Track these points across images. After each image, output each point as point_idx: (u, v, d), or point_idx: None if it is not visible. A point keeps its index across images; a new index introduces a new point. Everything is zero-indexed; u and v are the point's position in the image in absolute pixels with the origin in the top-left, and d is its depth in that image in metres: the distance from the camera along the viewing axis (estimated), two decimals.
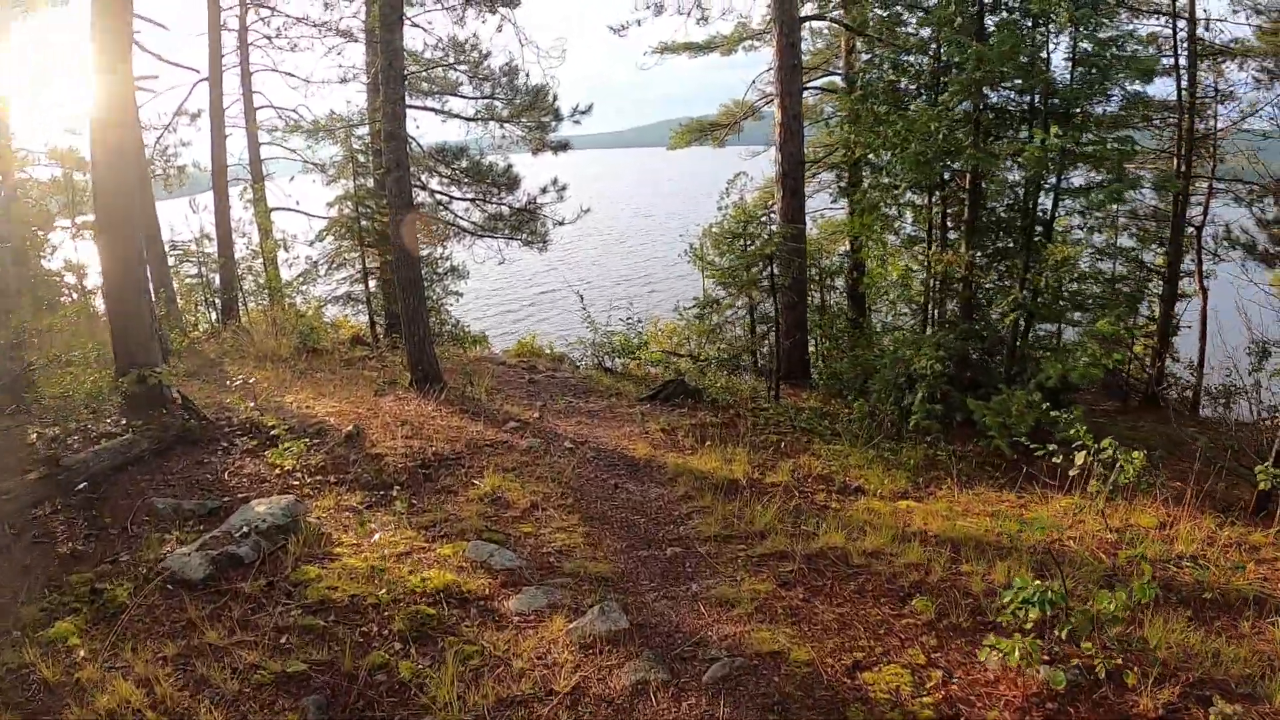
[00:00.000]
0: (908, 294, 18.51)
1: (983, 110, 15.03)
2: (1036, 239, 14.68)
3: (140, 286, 11.79)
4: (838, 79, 23.87)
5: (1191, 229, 20.66)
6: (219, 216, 25.01)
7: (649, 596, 7.76)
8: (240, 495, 9.68)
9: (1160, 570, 8.05)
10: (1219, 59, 20.29)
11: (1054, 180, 14.34)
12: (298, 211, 26.57)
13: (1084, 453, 8.18)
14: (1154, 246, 21.91)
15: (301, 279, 24.39)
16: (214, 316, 25.11)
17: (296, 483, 10.16)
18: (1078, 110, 14.53)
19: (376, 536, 8.79)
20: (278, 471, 10.43)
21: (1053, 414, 9.85)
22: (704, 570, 8.41)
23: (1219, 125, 20.78)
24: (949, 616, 7.19)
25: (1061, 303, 14.65)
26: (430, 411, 13.64)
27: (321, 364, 17.91)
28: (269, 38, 26.62)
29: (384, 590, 7.30)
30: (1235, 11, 19.48)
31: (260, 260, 25.54)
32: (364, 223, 22.75)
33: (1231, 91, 20.54)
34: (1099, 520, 9.54)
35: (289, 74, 26.77)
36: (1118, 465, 7.91)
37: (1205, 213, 20.75)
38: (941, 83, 15.94)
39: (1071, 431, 8.29)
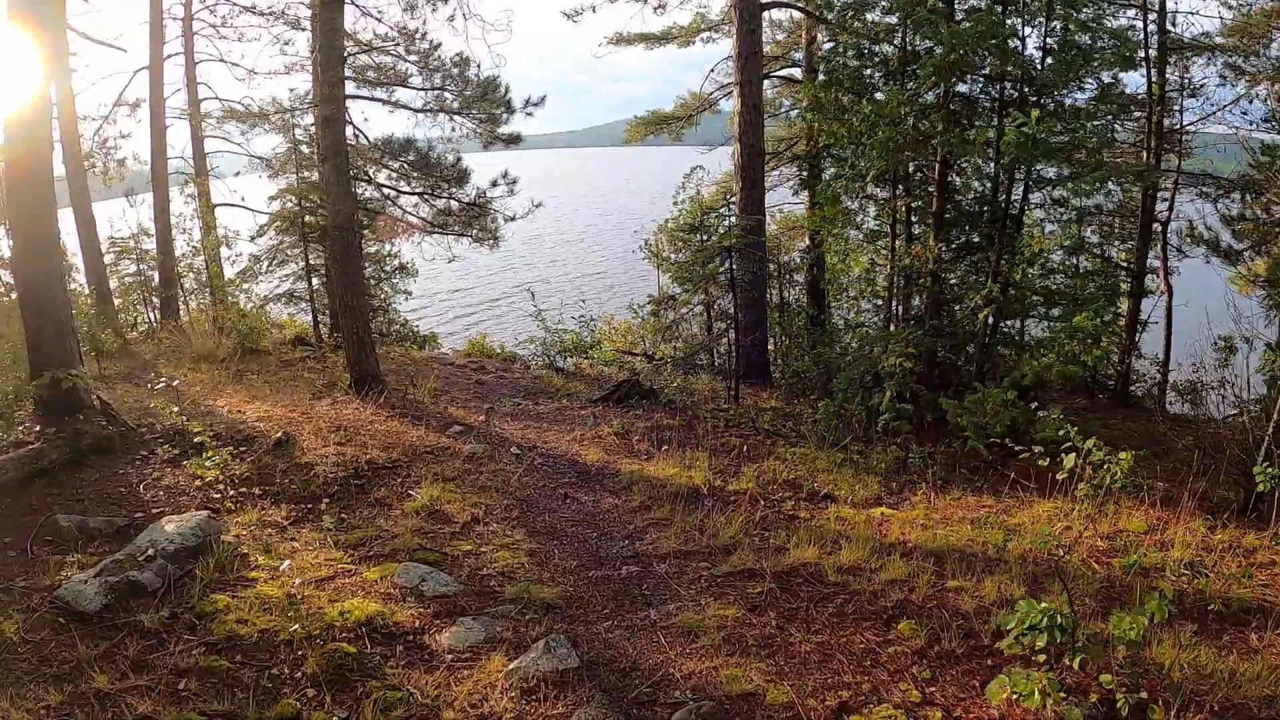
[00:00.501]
0: (871, 290, 17.71)
1: (953, 98, 14.20)
2: (1008, 231, 13.83)
3: (54, 283, 10.63)
4: (797, 71, 23.02)
5: (1157, 225, 20.01)
6: (158, 211, 23.69)
7: (602, 626, 6.79)
8: (155, 510, 8.69)
9: (1158, 580, 7.58)
10: (1186, 54, 19.65)
11: (1026, 170, 13.50)
12: (242, 207, 25.45)
13: (1073, 455, 7.45)
14: (1116, 242, 21.28)
15: (241, 277, 23.11)
16: (153, 316, 23.77)
17: (218, 496, 9.15)
18: (1049, 100, 13.73)
19: (295, 559, 7.80)
20: (198, 484, 9.39)
21: (1040, 413, 9.01)
22: (663, 593, 7.46)
23: (1185, 121, 20.17)
24: (940, 642, 6.32)
25: (1034, 297, 13.87)
26: (368, 416, 12.62)
27: (260, 365, 16.93)
28: (215, 26, 25.43)
29: (298, 625, 6.25)
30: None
31: (202, 257, 24.32)
32: (307, 218, 21.48)
33: (1201, 86, 19.90)
34: (1088, 526, 8.87)
35: (235, 64, 25.48)
36: (1104, 467, 7.35)
37: (1171, 208, 20.11)
38: (909, 71, 15.11)
39: (1060, 432, 7.54)
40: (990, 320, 13.55)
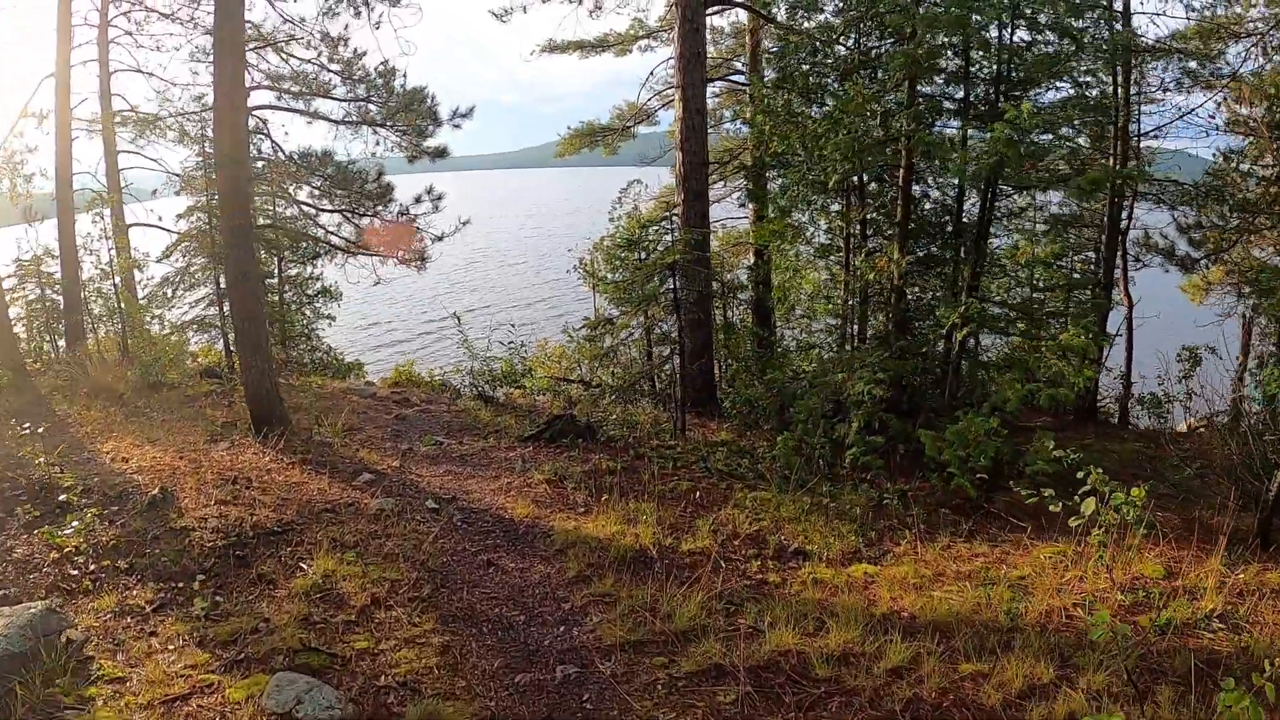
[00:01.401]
0: (826, 308, 16.10)
1: (919, 97, 12.64)
2: (980, 242, 12.28)
3: None
4: (739, 79, 21.42)
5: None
6: (63, 231, 21.30)
7: None
8: None
9: (1193, 638, 6.53)
10: (1145, 58, 18.37)
11: (992, 177, 11.93)
12: (158, 227, 23.14)
13: (1093, 500, 6.21)
14: (1070, 252, 19.98)
15: (147, 301, 20.92)
16: (58, 345, 21.48)
17: (75, 572, 7.46)
18: (1022, 100, 12.23)
19: (149, 664, 6.16)
20: (55, 555, 7.66)
21: (1054, 449, 7.49)
22: (610, 705, 5.78)
23: (1144, 127, 18.91)
24: None
25: (1011, 313, 12.30)
26: (266, 463, 10.78)
27: (161, 401, 14.96)
28: (130, 33, 23.21)
29: None
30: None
31: (110, 281, 22.07)
32: (218, 237, 19.38)
33: (1159, 93, 18.66)
34: (1101, 574, 7.48)
35: (152, 74, 23.13)
36: (1107, 502, 6.25)
37: (1129, 217, 18.80)
38: (868, 71, 13.52)
39: (1083, 473, 6.36)
40: (965, 340, 11.91)
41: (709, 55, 19.22)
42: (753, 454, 12.29)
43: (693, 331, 14.62)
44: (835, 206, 16.03)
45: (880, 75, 12.58)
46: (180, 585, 7.36)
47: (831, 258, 16.33)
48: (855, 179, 14.20)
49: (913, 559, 8.66)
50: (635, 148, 23.15)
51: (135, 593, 7.17)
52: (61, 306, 21.61)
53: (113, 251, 21.79)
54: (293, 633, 6.51)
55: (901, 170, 12.86)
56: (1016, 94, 12.02)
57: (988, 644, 6.42)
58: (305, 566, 7.74)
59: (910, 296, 13.49)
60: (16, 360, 16.52)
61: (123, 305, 21.23)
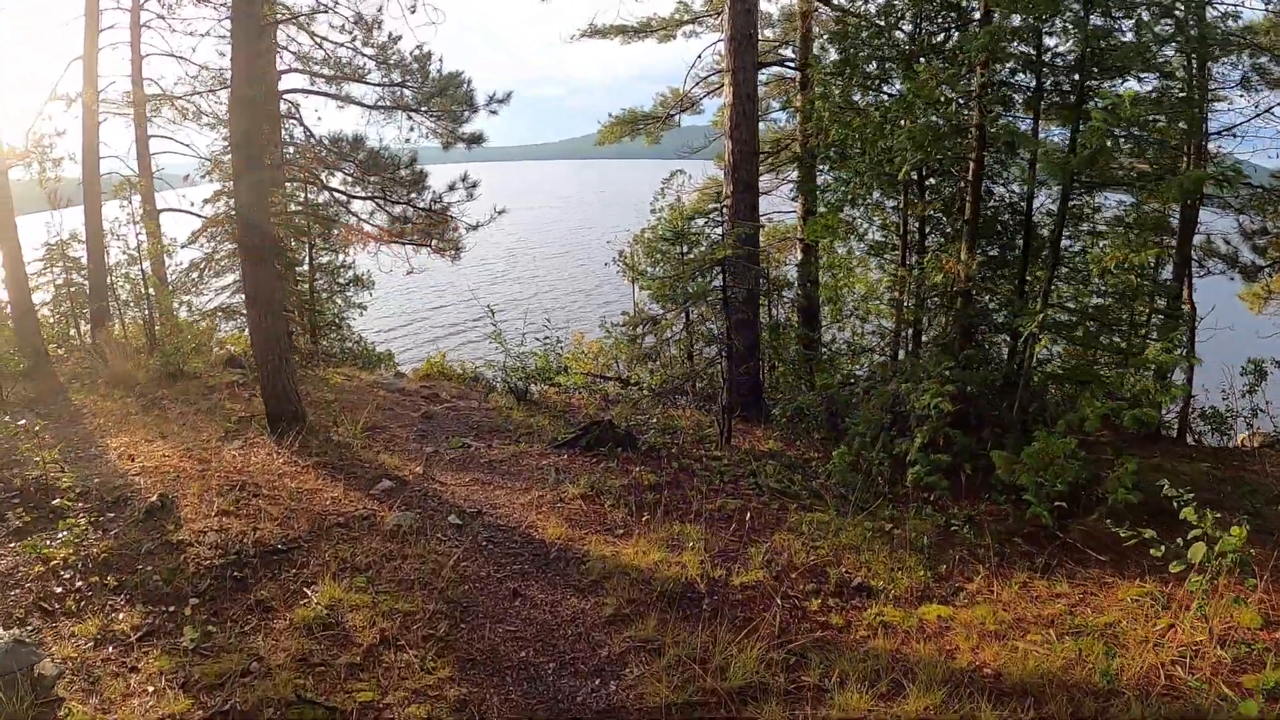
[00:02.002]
0: (879, 309, 14.98)
1: (991, 85, 11.50)
2: (1057, 245, 11.12)
3: None
4: (788, 67, 20.27)
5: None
6: (89, 214, 20.49)
7: None
8: None
9: None
10: (1215, 51, 17.08)
11: (1083, 173, 10.74)
12: (189, 213, 22.30)
13: (1202, 546, 5.95)
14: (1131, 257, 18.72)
15: (171, 289, 20.04)
16: (82, 330, 20.70)
17: (61, 588, 6.66)
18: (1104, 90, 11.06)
19: (123, 710, 5.38)
20: (41, 568, 6.87)
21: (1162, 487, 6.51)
22: None
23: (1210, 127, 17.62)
24: None
25: (1090, 323, 11.16)
26: (279, 466, 9.88)
27: (181, 392, 14.08)
28: (162, 16, 22.37)
29: None
30: None
31: (139, 266, 21.23)
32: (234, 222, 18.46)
33: (1230, 90, 17.36)
34: (1197, 625, 6.55)
35: (184, 58, 22.24)
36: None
37: (1194, 221, 17.56)
38: (931, 59, 12.37)
39: (1186, 512, 6.09)
40: (1037, 351, 10.77)
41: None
42: (805, 469, 11.23)
43: (741, 332, 13.51)
44: (891, 202, 14.93)
45: (939, 61, 11.41)
46: (171, 609, 6.52)
47: (885, 256, 15.19)
48: (915, 173, 13.07)
49: (989, 599, 7.61)
50: (673, 141, 22.09)
51: (122, 616, 6.35)
52: (87, 292, 20.87)
53: (141, 236, 21.02)
54: (288, 678, 5.59)
55: (971, 163, 11.74)
56: (1095, 84, 10.80)
57: (1084, 711, 5.52)
58: (309, 593, 6.80)
59: (988, 299, 12.35)
60: (38, 346, 15.90)
61: (150, 291, 20.45)
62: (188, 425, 11.68)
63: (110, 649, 5.90)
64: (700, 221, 14.47)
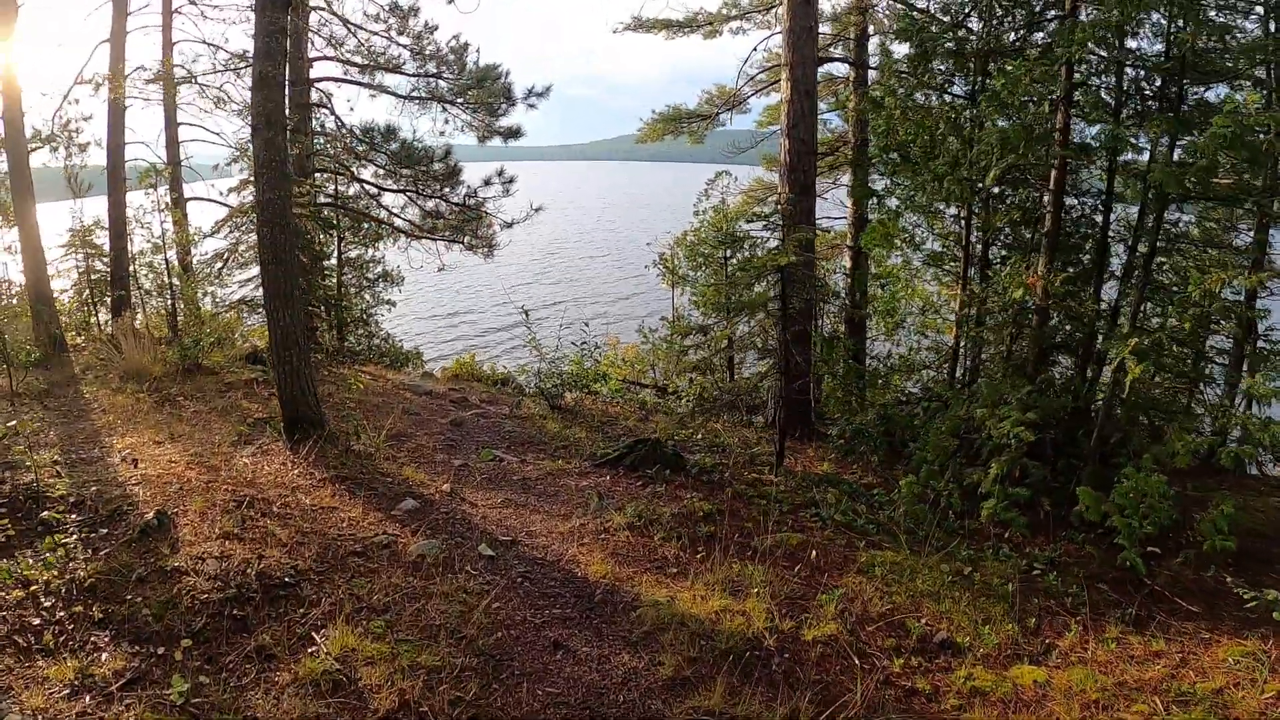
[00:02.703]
0: (935, 323, 13.89)
1: (1076, 86, 10.40)
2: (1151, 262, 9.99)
3: None
4: (836, 68, 19.20)
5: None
6: (112, 201, 19.62)
7: None
8: None
9: None
10: None
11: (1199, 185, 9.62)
12: (218, 202, 21.42)
13: None
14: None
15: (196, 277, 19.14)
16: (103, 318, 19.84)
17: (40, 620, 5.73)
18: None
19: None
20: (20, 594, 5.94)
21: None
22: None
23: None
24: None
25: (1180, 349, 10.06)
26: (293, 478, 8.93)
27: (198, 388, 13.22)
28: (194, 2, 21.49)
29: None
30: None
31: (163, 256, 20.35)
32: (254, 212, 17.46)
33: None
34: None
35: (216, 45, 21.32)
36: None
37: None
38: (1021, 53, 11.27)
39: None
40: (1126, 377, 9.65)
41: None
42: (868, 497, 10.14)
43: (798, 346, 12.40)
44: (952, 211, 13.83)
45: (1061, 45, 10.23)
46: (160, 651, 5.59)
47: (943, 267, 14.07)
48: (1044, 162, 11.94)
49: (1084, 659, 6.64)
50: (714, 144, 21.02)
51: (104, 657, 5.42)
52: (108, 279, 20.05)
53: (166, 224, 20.17)
54: None
55: (1054, 170, 10.62)
56: (1212, 82, 9.68)
57: None
58: (318, 639, 5.82)
59: (1059, 318, 11.23)
60: (55, 335, 15.20)
61: (175, 281, 19.61)
62: (200, 425, 10.80)
63: (87, 699, 4.97)
64: (748, 225, 13.39)
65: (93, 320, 19.82)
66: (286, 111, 11.46)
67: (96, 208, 20.00)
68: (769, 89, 19.02)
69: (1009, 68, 9.61)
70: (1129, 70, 10.49)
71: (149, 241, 20.34)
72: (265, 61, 10.00)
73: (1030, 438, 8.96)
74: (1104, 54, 10.43)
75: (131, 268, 19.82)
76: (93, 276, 19.98)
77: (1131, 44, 10.48)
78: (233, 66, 19.09)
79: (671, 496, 9.27)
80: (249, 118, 18.37)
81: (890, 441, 11.67)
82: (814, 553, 8.03)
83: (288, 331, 10.13)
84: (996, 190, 12.41)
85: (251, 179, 17.52)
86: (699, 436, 12.04)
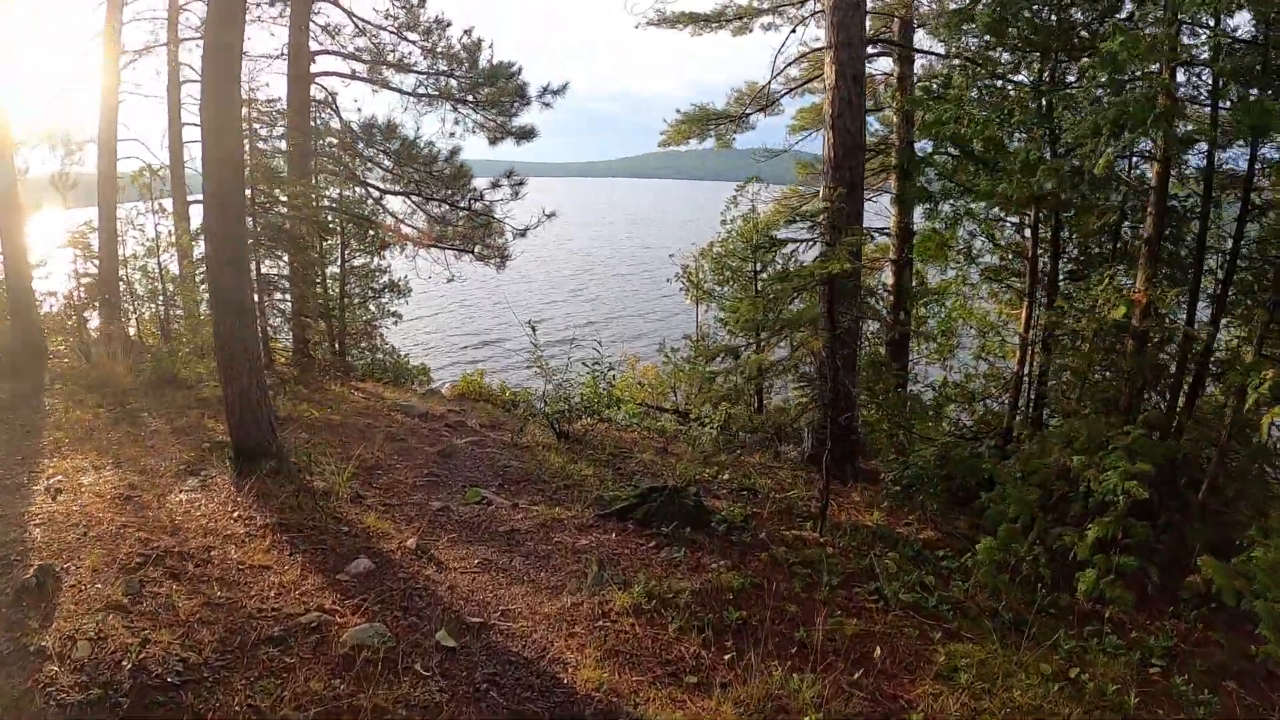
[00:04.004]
0: (993, 347, 11.92)
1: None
2: None
3: None
4: (877, 66, 17.23)
5: None
6: (102, 201, 17.87)
7: None
8: None
9: None
10: None
11: None
12: None
13: None
14: None
15: (187, 284, 17.35)
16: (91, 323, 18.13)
17: None
18: None
19: None
20: None
21: None
22: None
23: None
24: None
25: None
26: (230, 523, 7.21)
27: (165, 403, 11.65)
28: None
29: None
30: None
31: (155, 259, 18.62)
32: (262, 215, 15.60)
33: None
34: None
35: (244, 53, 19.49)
36: None
37: None
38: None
39: None
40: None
41: None
42: (935, 563, 8.04)
43: (846, 372, 10.26)
44: (1013, 218, 11.90)
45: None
46: None
47: (1005, 283, 12.12)
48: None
49: None
50: (732, 162, 19.12)
51: None
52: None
53: (160, 226, 18.45)
54: None
55: (1156, 164, 8.62)
56: None
57: None
58: None
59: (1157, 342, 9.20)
60: (33, 341, 14.03)
61: (169, 286, 17.87)
62: (152, 448, 9.26)
63: None
64: (787, 228, 11.43)
65: (82, 326, 18.15)
66: (243, 86, 9.70)
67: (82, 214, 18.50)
68: (804, 88, 17.15)
69: (1121, 28, 7.60)
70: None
71: (142, 245, 18.72)
72: (220, 27, 8.19)
73: (1144, 494, 6.96)
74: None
75: (122, 271, 18.24)
76: (84, 280, 18.28)
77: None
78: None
79: (692, 564, 7.21)
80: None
81: (950, 485, 9.64)
82: (878, 649, 5.99)
83: (237, 345, 8.30)
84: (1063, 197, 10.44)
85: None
86: (725, 476, 10.02)
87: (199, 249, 17.50)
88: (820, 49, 14.88)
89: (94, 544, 6.35)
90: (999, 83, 11.00)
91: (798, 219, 9.97)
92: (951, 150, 11.20)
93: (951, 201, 11.37)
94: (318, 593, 6.07)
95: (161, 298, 18.18)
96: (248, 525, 7.18)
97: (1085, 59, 9.20)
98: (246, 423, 8.35)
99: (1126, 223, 10.30)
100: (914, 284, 14.82)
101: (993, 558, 7.25)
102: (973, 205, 11.49)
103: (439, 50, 17.39)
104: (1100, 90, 8.34)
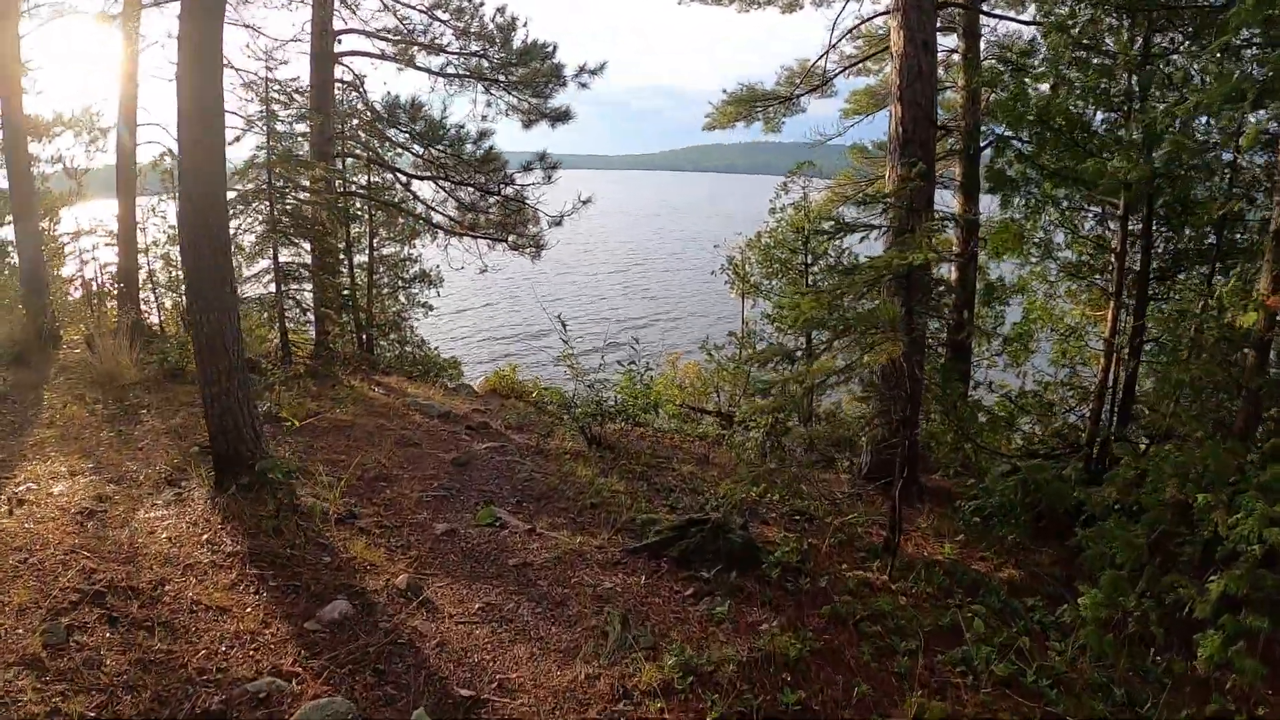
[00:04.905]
0: (1078, 351, 10.59)
1: None
2: None
3: None
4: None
5: None
6: (121, 188, 16.82)
7: None
8: None
9: None
10: None
11: None
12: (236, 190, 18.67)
13: None
14: None
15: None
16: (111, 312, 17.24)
17: None
18: None
19: None
20: None
21: None
22: None
23: None
24: None
25: None
26: (195, 548, 6.18)
27: (166, 400, 10.78)
28: None
29: None
30: None
31: (178, 248, 17.61)
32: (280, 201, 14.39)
33: None
34: None
35: (256, 29, 18.39)
36: None
37: None
38: None
39: None
40: None
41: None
42: (1025, 614, 6.67)
43: (913, 382, 8.76)
44: (1095, 208, 10.52)
45: None
46: None
47: (1085, 280, 10.77)
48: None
49: None
50: (789, 152, 17.81)
51: None
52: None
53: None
54: None
55: None
56: None
57: None
58: None
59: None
60: (44, 329, 13.59)
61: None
62: (140, 452, 8.42)
63: None
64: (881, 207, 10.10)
65: (100, 316, 17.31)
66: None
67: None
68: (859, 66, 15.76)
69: None
70: None
71: (164, 232, 17.78)
72: None
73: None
74: None
75: (144, 260, 17.35)
76: (105, 269, 17.39)
77: None
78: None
79: (738, 623, 5.79)
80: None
81: (1030, 510, 8.28)
82: None
83: (214, 341, 7.14)
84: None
85: (253, 161, 14.68)
86: (774, 497, 8.71)
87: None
88: (884, 13, 13.57)
89: (31, 574, 5.32)
90: (1084, 53, 9.67)
91: (866, 200, 8.57)
92: (1031, 132, 9.82)
93: (1033, 189, 9.98)
94: (278, 647, 4.93)
95: (184, 287, 17.19)
96: (214, 552, 6.07)
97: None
98: (226, 429, 7.23)
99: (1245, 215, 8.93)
100: (976, 281, 13.43)
101: (1098, 616, 5.93)
102: (1055, 193, 10.12)
103: (471, 30, 16.27)
104: (1254, 48, 6.96)
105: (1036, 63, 9.91)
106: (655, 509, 8.03)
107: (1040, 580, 7.46)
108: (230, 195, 15.01)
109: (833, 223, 7.65)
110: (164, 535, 6.29)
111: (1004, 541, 8.26)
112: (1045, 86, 9.89)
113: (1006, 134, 10.08)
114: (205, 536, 6.29)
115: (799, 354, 8.24)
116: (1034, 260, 11.05)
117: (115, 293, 17.02)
